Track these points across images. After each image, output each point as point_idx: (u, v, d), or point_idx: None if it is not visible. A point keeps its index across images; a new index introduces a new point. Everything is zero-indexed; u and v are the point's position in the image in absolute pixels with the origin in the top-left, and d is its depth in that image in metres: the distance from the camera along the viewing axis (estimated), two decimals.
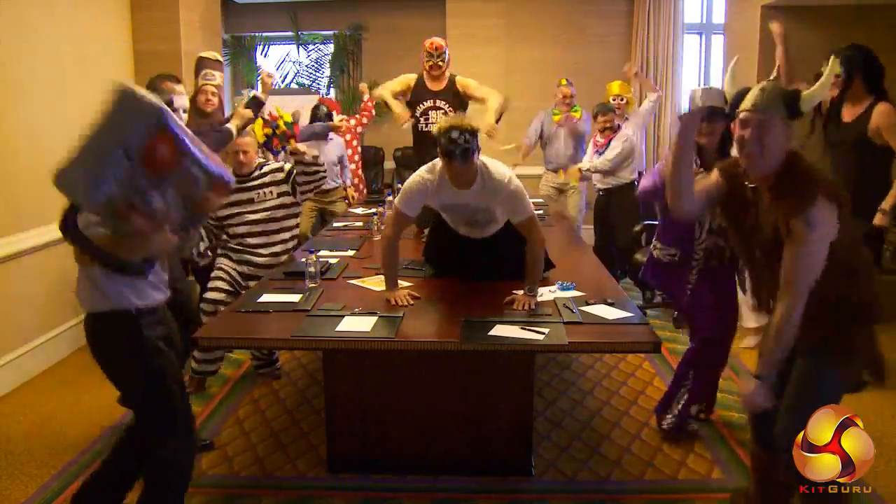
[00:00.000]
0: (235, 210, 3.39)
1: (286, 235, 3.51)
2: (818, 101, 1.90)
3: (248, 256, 3.41)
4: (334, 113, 5.50)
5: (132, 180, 1.69)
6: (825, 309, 1.84)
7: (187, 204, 1.81)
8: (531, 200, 2.76)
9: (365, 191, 5.66)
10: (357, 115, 5.81)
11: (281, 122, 4.35)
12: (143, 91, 1.73)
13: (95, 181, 1.66)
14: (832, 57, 2.02)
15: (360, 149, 5.71)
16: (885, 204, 3.12)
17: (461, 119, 2.57)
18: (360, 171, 5.71)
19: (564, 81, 5.37)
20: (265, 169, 3.47)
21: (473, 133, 2.52)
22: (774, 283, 1.86)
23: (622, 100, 5.21)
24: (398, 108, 4.05)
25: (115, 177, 1.66)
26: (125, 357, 2.01)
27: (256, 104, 3.75)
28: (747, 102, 1.87)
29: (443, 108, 4.03)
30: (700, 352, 2.80)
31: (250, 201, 3.41)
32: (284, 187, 3.47)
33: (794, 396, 1.91)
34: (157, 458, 2.03)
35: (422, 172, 2.74)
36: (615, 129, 4.94)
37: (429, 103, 4.04)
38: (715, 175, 2.07)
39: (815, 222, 1.76)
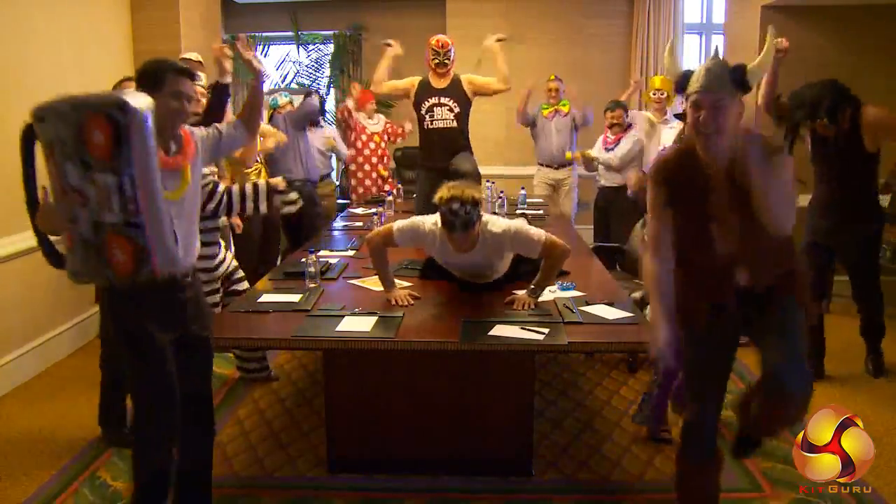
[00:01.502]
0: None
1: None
2: (764, 74, 1.87)
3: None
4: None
5: (66, 142, 1.71)
6: (790, 256, 1.93)
7: (96, 225, 1.75)
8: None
9: (372, 190, 5.55)
10: (392, 128, 5.62)
11: None
12: (124, 92, 1.76)
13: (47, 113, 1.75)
14: (770, 27, 1.95)
15: (385, 159, 5.57)
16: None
17: (463, 189, 2.53)
18: (367, 177, 5.60)
19: (553, 77, 5.48)
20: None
21: (475, 204, 2.52)
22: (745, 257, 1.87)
23: (663, 94, 5.21)
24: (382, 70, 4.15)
25: (59, 121, 1.72)
26: (114, 326, 2.03)
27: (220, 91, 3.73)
28: (695, 83, 1.83)
29: (447, 105, 4.03)
30: None
31: None
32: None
33: (788, 338, 1.89)
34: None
35: (427, 223, 2.73)
36: (625, 128, 4.94)
37: (433, 100, 4.03)
38: (656, 221, 1.98)
39: (789, 161, 1.78)
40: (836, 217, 3.32)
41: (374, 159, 5.49)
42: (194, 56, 3.98)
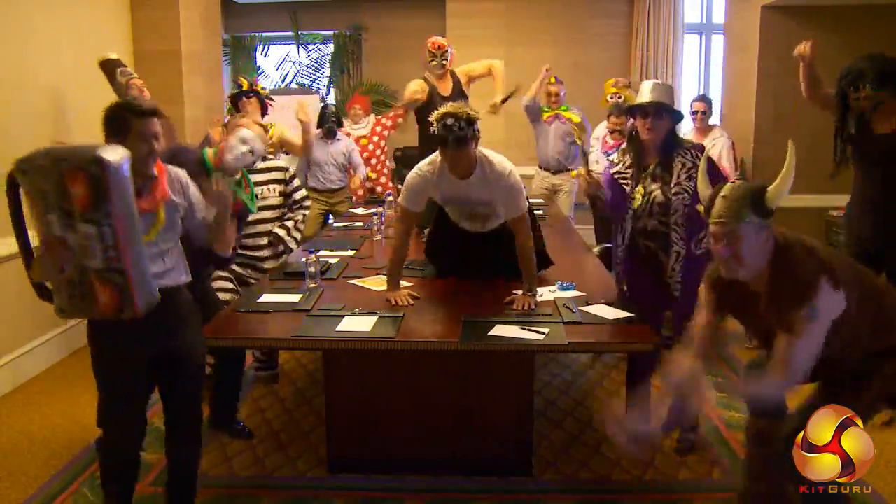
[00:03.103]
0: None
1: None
2: (784, 195, 1.78)
3: (251, 261, 3.38)
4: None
5: (48, 195, 1.76)
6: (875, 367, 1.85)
7: (81, 269, 1.80)
8: (530, 200, 2.76)
9: (379, 189, 5.54)
10: (386, 119, 5.56)
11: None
12: (105, 146, 1.80)
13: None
14: (790, 143, 1.83)
15: (374, 160, 5.52)
16: None
17: (460, 106, 2.55)
18: (368, 172, 5.55)
19: (553, 80, 5.39)
20: (268, 164, 3.41)
21: (470, 121, 2.51)
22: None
23: (619, 97, 5.20)
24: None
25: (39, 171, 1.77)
26: (89, 340, 2.09)
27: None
28: (714, 213, 1.79)
29: None
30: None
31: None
32: (284, 188, 3.43)
33: None
34: None
35: (421, 165, 2.74)
36: (625, 134, 4.93)
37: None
38: (703, 317, 1.98)
39: (816, 314, 1.70)
40: (881, 217, 3.06)
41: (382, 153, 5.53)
42: (113, 55, 3.86)
